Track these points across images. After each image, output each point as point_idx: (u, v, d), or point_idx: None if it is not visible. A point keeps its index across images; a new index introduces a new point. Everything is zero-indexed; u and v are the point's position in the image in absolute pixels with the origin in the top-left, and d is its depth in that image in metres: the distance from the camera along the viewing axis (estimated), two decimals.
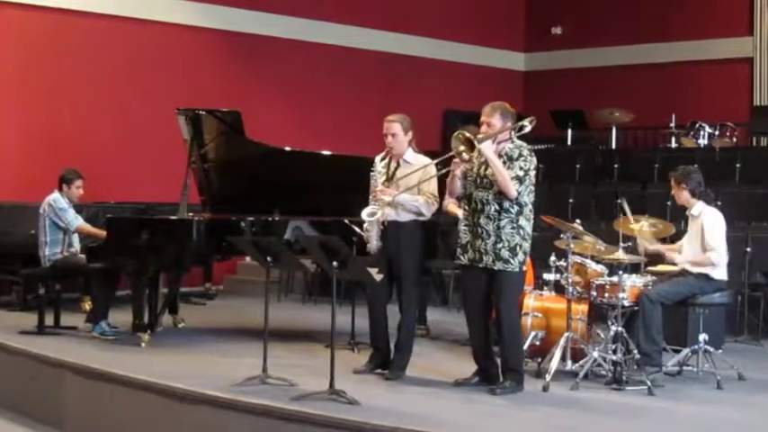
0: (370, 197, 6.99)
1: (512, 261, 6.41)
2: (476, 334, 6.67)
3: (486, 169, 6.44)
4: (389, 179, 6.98)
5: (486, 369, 6.63)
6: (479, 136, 6.37)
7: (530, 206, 6.48)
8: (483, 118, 6.51)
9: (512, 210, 6.41)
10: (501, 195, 6.38)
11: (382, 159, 7.10)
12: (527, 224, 6.47)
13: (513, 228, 6.40)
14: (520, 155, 6.44)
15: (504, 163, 6.39)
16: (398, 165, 7.00)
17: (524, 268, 6.53)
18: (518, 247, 6.41)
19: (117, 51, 11.83)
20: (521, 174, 6.39)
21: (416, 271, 7.03)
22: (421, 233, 6.98)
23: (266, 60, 13.19)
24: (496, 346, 6.63)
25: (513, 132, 6.54)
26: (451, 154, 6.41)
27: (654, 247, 7.37)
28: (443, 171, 6.74)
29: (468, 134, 6.28)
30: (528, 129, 6.55)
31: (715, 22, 14.26)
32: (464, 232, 6.57)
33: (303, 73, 13.49)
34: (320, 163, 8.78)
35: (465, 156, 6.30)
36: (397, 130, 6.95)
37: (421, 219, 6.95)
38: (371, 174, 7.06)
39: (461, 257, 6.59)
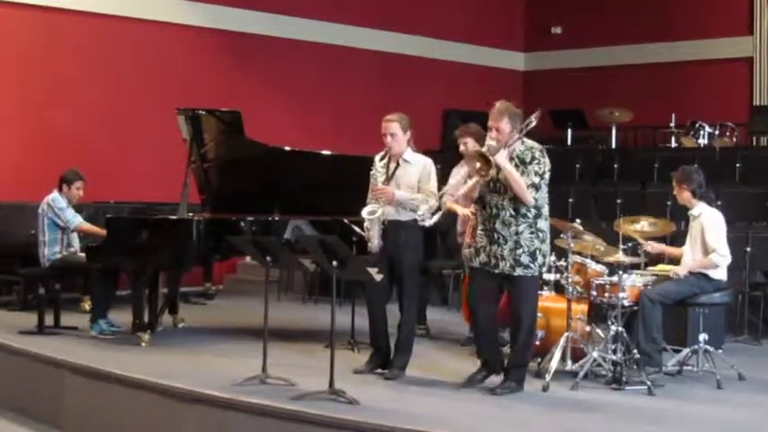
0: (369, 196, 6.99)
1: (532, 266, 6.37)
2: (481, 334, 6.64)
3: (498, 173, 6.34)
4: (389, 179, 6.96)
5: (490, 363, 6.59)
6: (489, 142, 6.30)
7: (546, 207, 6.44)
8: (490, 123, 6.40)
9: (529, 214, 6.35)
10: (516, 200, 6.31)
11: (381, 159, 7.09)
12: (545, 225, 6.42)
13: (531, 232, 6.35)
14: (533, 158, 6.35)
15: (517, 166, 6.30)
16: (398, 164, 6.98)
17: (544, 270, 6.50)
18: (537, 252, 6.36)
19: (116, 51, 11.82)
20: (536, 180, 6.30)
21: (417, 270, 7.02)
22: (421, 232, 6.96)
23: (265, 60, 13.18)
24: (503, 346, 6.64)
25: (522, 131, 6.49)
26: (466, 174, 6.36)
27: (658, 247, 7.36)
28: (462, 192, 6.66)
29: (480, 150, 6.22)
30: (534, 123, 6.46)
31: (715, 21, 14.26)
32: (480, 236, 6.48)
33: (302, 73, 13.47)
34: (320, 163, 8.77)
35: (484, 173, 6.21)
36: (395, 129, 6.92)
37: None
38: (371, 173, 7.06)
39: (473, 260, 6.53)
